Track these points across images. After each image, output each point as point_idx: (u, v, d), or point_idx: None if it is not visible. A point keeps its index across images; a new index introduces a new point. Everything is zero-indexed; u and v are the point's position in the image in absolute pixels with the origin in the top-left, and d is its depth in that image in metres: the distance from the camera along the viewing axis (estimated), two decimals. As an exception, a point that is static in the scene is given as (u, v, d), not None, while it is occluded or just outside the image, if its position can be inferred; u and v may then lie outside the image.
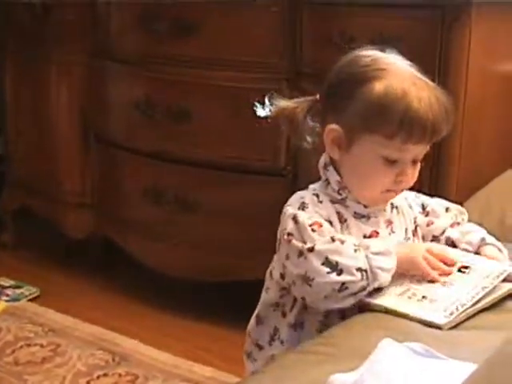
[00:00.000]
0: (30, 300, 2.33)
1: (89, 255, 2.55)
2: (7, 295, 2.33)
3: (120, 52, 2.22)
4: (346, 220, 1.24)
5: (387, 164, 1.20)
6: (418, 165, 1.24)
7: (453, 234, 1.32)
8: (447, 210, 1.37)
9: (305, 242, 1.17)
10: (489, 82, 1.85)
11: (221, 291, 2.21)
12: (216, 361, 1.97)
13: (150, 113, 2.13)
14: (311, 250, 1.16)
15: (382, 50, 1.24)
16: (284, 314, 1.29)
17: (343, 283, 1.15)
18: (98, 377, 1.94)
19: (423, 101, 1.16)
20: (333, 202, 1.24)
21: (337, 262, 1.15)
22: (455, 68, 1.73)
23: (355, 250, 1.16)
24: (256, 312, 1.34)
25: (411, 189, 1.36)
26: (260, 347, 1.33)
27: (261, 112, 1.27)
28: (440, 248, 1.26)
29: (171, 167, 2.14)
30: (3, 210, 2.63)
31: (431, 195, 1.43)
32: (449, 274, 1.20)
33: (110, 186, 2.34)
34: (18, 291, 2.36)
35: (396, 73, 1.19)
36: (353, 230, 1.24)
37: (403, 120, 1.16)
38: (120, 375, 1.95)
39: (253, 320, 1.35)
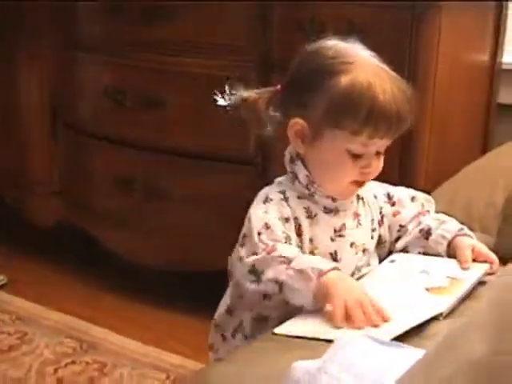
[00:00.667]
0: (-2, 288, 2.31)
1: (58, 244, 2.54)
2: (-26, 283, 2.31)
3: (89, 39, 2.20)
4: (316, 215, 1.24)
5: (352, 158, 1.19)
6: (382, 156, 1.23)
7: (428, 221, 1.32)
8: (413, 199, 1.37)
9: (248, 249, 1.17)
10: (457, 71, 1.86)
11: (192, 280, 2.20)
12: (185, 349, 1.97)
13: (119, 100, 2.11)
14: (241, 259, 1.17)
15: (345, 41, 1.23)
16: (251, 308, 1.29)
17: (264, 295, 1.15)
18: (66, 365, 1.93)
19: (387, 94, 1.15)
20: (300, 197, 1.24)
21: (262, 271, 1.14)
22: (425, 57, 1.73)
23: (280, 262, 1.14)
24: (228, 302, 1.34)
25: (377, 179, 1.36)
26: (224, 338, 1.33)
27: (221, 101, 1.26)
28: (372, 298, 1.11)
29: (141, 155, 2.13)
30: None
31: (399, 185, 1.43)
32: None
33: (78, 174, 2.32)
34: (-15, 279, 2.34)
35: (361, 66, 1.18)
36: (322, 224, 1.24)
37: (369, 117, 1.15)
38: (88, 363, 1.94)
39: (222, 309, 1.34)
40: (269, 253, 1.15)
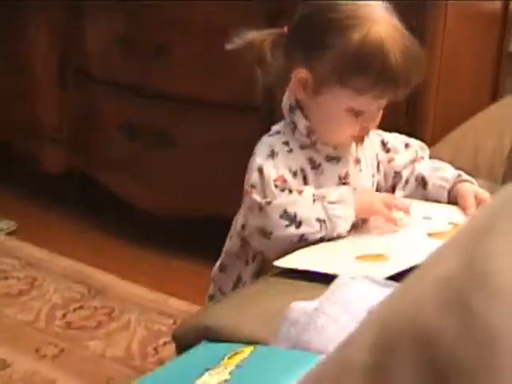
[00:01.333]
0: (8, 234, 2.33)
1: (66, 190, 2.55)
2: (-16, 229, 2.34)
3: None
4: (319, 164, 1.23)
5: (353, 115, 1.18)
6: (381, 110, 1.22)
7: (422, 169, 1.32)
8: (407, 145, 1.36)
9: (266, 197, 1.17)
10: (467, 18, 1.83)
11: (199, 227, 2.21)
12: (191, 295, 1.99)
13: (128, 47, 2.10)
14: (269, 203, 1.16)
15: None
16: (247, 263, 1.29)
17: (302, 235, 1.15)
18: (74, 309, 1.96)
19: (398, 56, 1.13)
20: (303, 147, 1.23)
21: (295, 214, 1.15)
22: (433, 5, 1.71)
23: (314, 201, 1.16)
24: (220, 260, 1.34)
25: (385, 127, 1.36)
26: (223, 293, 1.34)
27: (229, 45, 1.25)
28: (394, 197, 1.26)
29: (147, 102, 2.12)
30: (-20, 144, 2.61)
31: (408, 134, 1.42)
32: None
33: (86, 121, 2.32)
34: (-5, 225, 2.36)
35: (375, 24, 1.14)
36: (327, 173, 1.24)
37: (378, 79, 1.13)
38: (96, 308, 1.97)
39: (216, 267, 1.35)
40: (299, 194, 1.16)
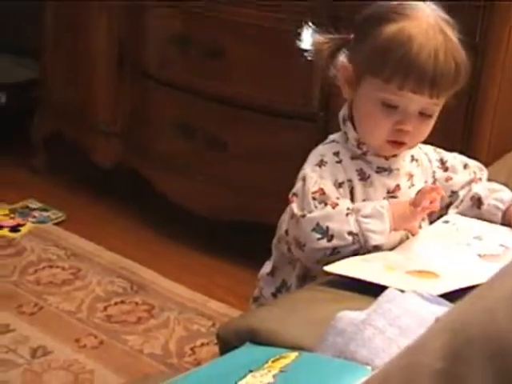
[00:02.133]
0: (56, 224, 2.37)
1: (116, 185, 2.58)
2: (34, 217, 2.38)
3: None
4: (369, 176, 1.24)
5: (386, 109, 1.18)
6: (429, 121, 1.21)
7: (479, 189, 1.31)
8: (465, 166, 1.36)
9: (303, 207, 1.18)
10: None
11: (244, 231, 2.22)
12: (231, 299, 2.00)
13: (184, 47, 2.13)
14: (304, 216, 1.17)
15: None
16: (294, 267, 1.30)
17: (334, 248, 1.16)
18: (116, 303, 1.99)
19: (427, 49, 1.14)
20: (353, 158, 1.24)
21: (327, 228, 1.16)
22: (499, 22, 1.69)
23: (347, 214, 1.16)
24: (272, 262, 1.35)
25: (441, 146, 1.35)
26: (263, 297, 1.35)
27: (303, 45, 1.27)
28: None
29: (202, 103, 2.14)
30: (36, 133, 2.65)
31: (462, 154, 1.42)
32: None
33: (140, 117, 2.35)
34: (44, 214, 2.40)
35: (414, 19, 1.16)
36: (376, 185, 1.24)
37: (399, 63, 1.14)
38: (137, 304, 1.99)
39: (267, 269, 1.36)
40: (334, 207, 1.16)
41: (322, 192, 1.19)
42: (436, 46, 1.15)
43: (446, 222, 1.29)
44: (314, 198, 1.18)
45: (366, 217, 1.16)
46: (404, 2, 1.20)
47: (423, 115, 1.20)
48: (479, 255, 1.16)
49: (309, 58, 1.28)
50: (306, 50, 1.27)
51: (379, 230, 1.16)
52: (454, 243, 1.20)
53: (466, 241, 1.20)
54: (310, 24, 1.27)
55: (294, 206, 1.19)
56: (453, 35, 1.18)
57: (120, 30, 2.35)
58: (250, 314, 1.04)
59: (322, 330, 0.90)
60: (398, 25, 1.16)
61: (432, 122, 1.22)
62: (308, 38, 1.27)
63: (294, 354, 0.87)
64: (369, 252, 1.17)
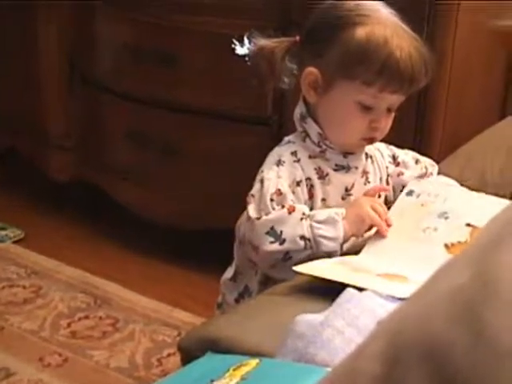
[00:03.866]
0: (15, 242, 2.33)
1: (74, 199, 2.55)
2: (-9, 236, 2.34)
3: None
4: (327, 174, 1.24)
5: (362, 110, 1.20)
6: (392, 114, 1.24)
7: None
8: (417, 161, 1.38)
9: (260, 209, 1.18)
10: (476, 36, 1.83)
11: (203, 238, 2.22)
12: (195, 306, 1.99)
13: (136, 56, 2.11)
14: (259, 218, 1.17)
15: None
16: (256, 273, 1.30)
17: (287, 252, 1.16)
18: (79, 319, 1.96)
19: (404, 50, 1.16)
20: (311, 157, 1.24)
21: (281, 231, 1.16)
22: (444, 21, 1.71)
23: (301, 219, 1.16)
24: (234, 267, 1.35)
25: (393, 142, 1.37)
26: (226, 303, 1.34)
27: (240, 50, 1.26)
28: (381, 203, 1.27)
29: (155, 111, 2.13)
30: (-12, 152, 2.62)
31: (415, 150, 1.44)
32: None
33: (93, 129, 2.32)
34: (2, 233, 2.36)
35: (379, 20, 1.19)
36: (334, 183, 1.25)
37: (383, 68, 1.16)
38: (101, 318, 1.97)
39: (229, 274, 1.35)
40: (290, 212, 1.16)
41: (279, 193, 1.19)
42: (408, 45, 1.17)
43: (410, 193, 1.27)
44: (271, 200, 1.18)
45: (319, 222, 1.17)
46: (359, 3, 1.21)
47: (390, 111, 1.23)
48: (446, 246, 1.16)
49: (249, 64, 1.27)
50: (245, 56, 1.27)
51: (331, 237, 1.17)
52: (421, 230, 1.19)
53: (432, 223, 1.20)
54: (253, 30, 1.27)
55: (251, 208, 1.19)
56: (410, 30, 1.21)
57: (69, 42, 2.32)
58: (209, 322, 1.03)
59: (282, 334, 0.89)
60: (366, 28, 1.18)
61: (393, 117, 1.25)
62: (249, 44, 1.26)
63: (254, 361, 0.87)
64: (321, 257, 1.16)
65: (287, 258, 1.17)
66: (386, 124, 1.24)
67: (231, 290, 1.34)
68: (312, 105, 1.25)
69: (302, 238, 1.16)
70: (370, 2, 1.23)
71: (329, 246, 1.17)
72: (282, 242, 1.16)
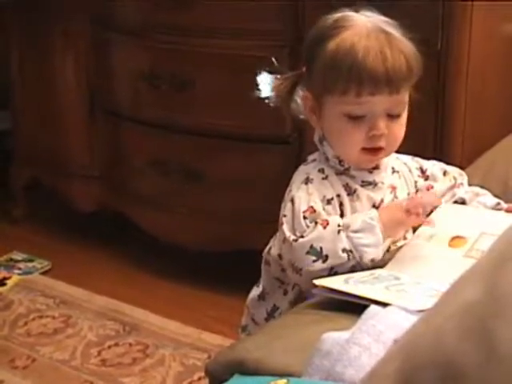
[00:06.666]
0: (42, 273, 2.35)
1: (99, 227, 2.57)
2: (19, 269, 2.36)
3: (122, 22, 2.21)
4: (355, 190, 1.23)
5: (352, 121, 1.18)
6: (400, 120, 1.21)
7: (463, 193, 1.31)
8: (445, 173, 1.35)
9: (295, 229, 1.17)
10: (492, 42, 1.82)
11: (230, 260, 2.22)
12: (224, 329, 1.99)
13: (153, 83, 2.13)
14: (296, 240, 1.16)
15: (356, 11, 1.21)
16: (286, 292, 1.29)
17: (331, 268, 1.15)
18: (110, 346, 1.97)
19: (372, 50, 1.14)
20: (338, 174, 1.23)
21: (321, 248, 1.14)
22: (458, 29, 1.71)
23: (338, 232, 1.15)
24: (261, 287, 1.34)
25: (413, 154, 1.35)
26: (256, 323, 1.33)
27: (263, 94, 1.27)
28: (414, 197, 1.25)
29: (176, 137, 2.14)
30: (13, 185, 2.64)
31: (436, 159, 1.42)
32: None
33: (116, 158, 2.34)
34: (30, 264, 2.38)
35: (351, 28, 1.17)
36: (363, 199, 1.23)
37: (350, 72, 1.14)
38: (131, 345, 1.98)
39: (255, 294, 1.35)
40: (324, 227, 1.15)
41: (313, 210, 1.18)
42: (380, 45, 1.15)
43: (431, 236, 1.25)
44: (304, 218, 1.17)
45: (356, 231, 1.15)
46: (340, 17, 1.20)
47: (391, 116, 1.19)
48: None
49: (272, 105, 1.27)
50: (267, 98, 1.27)
51: (372, 243, 1.15)
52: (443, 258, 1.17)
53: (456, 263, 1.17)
54: (263, 71, 1.27)
55: (285, 229, 1.17)
56: (396, 32, 1.18)
57: (87, 73, 2.35)
58: (236, 344, 1.03)
59: (308, 353, 0.89)
60: (338, 38, 1.16)
61: (403, 124, 1.21)
62: (265, 86, 1.26)
63: (282, 382, 0.86)
64: (367, 267, 1.15)
65: (333, 273, 1.15)
66: (392, 130, 1.19)
67: (260, 309, 1.33)
68: (320, 129, 1.25)
69: (344, 250, 1.14)
70: (352, 14, 1.20)
71: (372, 252, 1.15)
72: (325, 258, 1.14)
